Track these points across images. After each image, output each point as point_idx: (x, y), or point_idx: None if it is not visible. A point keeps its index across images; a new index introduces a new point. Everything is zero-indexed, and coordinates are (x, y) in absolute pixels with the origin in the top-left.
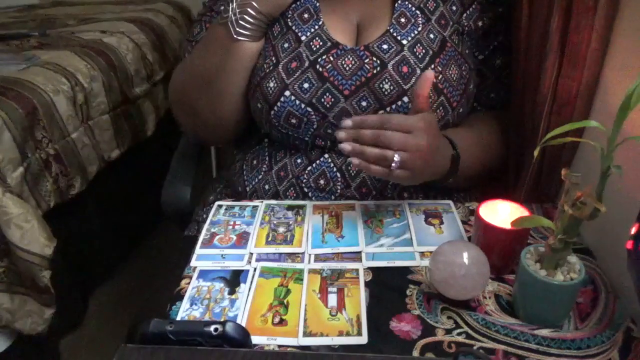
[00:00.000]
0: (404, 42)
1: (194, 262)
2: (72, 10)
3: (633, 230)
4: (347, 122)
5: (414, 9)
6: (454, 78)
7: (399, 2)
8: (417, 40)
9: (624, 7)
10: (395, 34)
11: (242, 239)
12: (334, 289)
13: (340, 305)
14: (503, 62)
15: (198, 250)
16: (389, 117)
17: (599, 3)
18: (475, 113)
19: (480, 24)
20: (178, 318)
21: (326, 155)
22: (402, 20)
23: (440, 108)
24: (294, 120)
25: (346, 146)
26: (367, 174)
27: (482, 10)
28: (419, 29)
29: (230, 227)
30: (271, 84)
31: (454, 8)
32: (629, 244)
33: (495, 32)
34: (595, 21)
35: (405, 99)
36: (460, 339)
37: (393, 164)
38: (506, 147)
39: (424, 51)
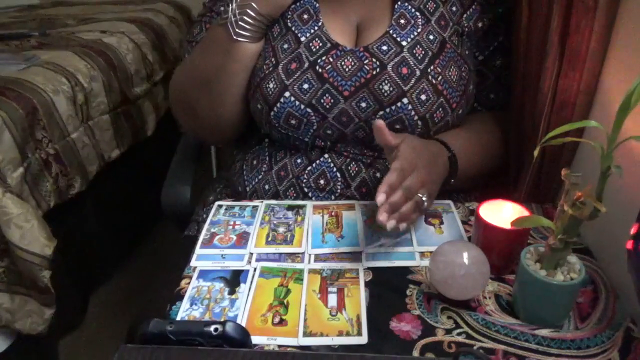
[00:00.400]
0: (404, 43)
1: (194, 262)
2: (72, 10)
3: (633, 230)
4: (381, 198)
5: (413, 10)
6: (454, 79)
7: (399, 3)
8: (416, 41)
9: (624, 7)
10: (394, 35)
11: (242, 239)
12: (334, 289)
13: (340, 305)
14: (503, 62)
15: (198, 250)
16: (399, 172)
17: (599, 3)
18: (474, 113)
19: (480, 24)
20: (178, 318)
21: (326, 155)
22: (402, 21)
23: (440, 109)
24: (293, 121)
25: (389, 222)
26: (367, 175)
27: (482, 11)
28: (419, 30)
29: (230, 227)
30: (271, 85)
31: (453, 9)
32: (629, 244)
33: (495, 32)
34: (595, 21)
35: (405, 100)
36: (460, 339)
37: (425, 203)
38: (505, 146)
39: (423, 52)
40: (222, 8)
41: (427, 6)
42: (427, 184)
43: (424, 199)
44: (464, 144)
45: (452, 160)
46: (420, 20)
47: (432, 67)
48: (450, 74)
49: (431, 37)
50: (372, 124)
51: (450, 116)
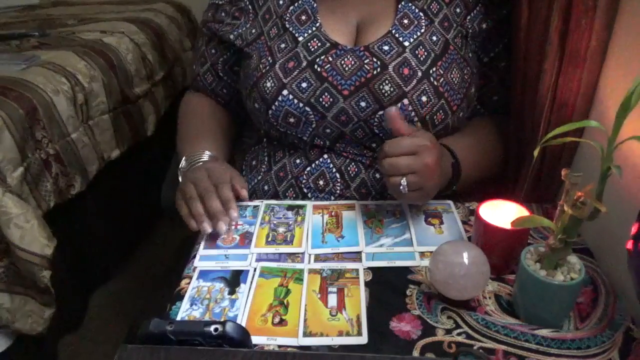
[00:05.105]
0: (406, 43)
1: (197, 263)
2: (72, 10)
3: (633, 230)
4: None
5: (417, 10)
6: (456, 81)
7: (403, 3)
8: (419, 42)
9: (624, 7)
10: (397, 35)
11: (246, 239)
12: (334, 289)
13: (340, 305)
14: (507, 64)
15: (201, 251)
16: (396, 142)
17: (598, 3)
18: (475, 119)
19: (484, 26)
20: (178, 318)
21: (325, 156)
22: (405, 21)
23: (441, 111)
24: (292, 120)
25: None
26: (367, 176)
27: (486, 13)
28: (422, 30)
29: (233, 227)
30: (268, 84)
31: (457, 10)
32: (629, 244)
33: (500, 34)
34: (595, 21)
35: (405, 101)
36: (460, 339)
37: (401, 188)
38: (505, 151)
39: (426, 53)
40: (222, 14)
41: (431, 7)
42: (424, 174)
43: (403, 182)
44: (462, 152)
45: (454, 166)
46: (423, 21)
47: (434, 69)
48: (452, 76)
49: (434, 38)
50: (385, 112)
51: (450, 118)
